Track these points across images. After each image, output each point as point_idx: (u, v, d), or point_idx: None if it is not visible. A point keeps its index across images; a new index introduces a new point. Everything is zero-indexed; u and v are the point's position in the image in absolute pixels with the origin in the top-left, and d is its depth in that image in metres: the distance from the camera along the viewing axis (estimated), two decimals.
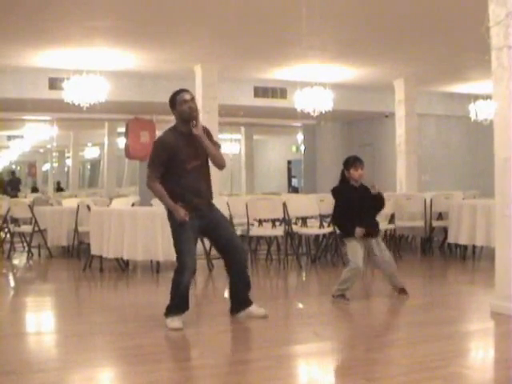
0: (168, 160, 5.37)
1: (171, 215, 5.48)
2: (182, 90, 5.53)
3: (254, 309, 5.71)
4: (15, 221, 11.28)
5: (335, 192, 6.58)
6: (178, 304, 5.45)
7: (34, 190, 28.22)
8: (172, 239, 5.56)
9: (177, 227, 5.44)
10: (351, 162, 6.44)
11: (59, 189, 25.98)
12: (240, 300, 5.74)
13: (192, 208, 5.41)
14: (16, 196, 20.33)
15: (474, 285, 8.08)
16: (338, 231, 6.64)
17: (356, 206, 6.36)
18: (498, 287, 5.82)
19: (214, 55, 11.18)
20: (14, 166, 37.25)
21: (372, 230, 6.42)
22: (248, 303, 5.73)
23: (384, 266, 6.50)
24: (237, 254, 5.66)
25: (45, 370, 4.28)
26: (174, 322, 5.35)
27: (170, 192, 5.42)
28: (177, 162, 5.38)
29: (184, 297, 5.46)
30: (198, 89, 11.80)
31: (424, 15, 8.72)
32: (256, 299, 6.35)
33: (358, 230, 6.29)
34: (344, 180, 6.51)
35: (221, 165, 5.63)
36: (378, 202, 6.54)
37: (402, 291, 6.55)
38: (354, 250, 6.34)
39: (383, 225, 9.88)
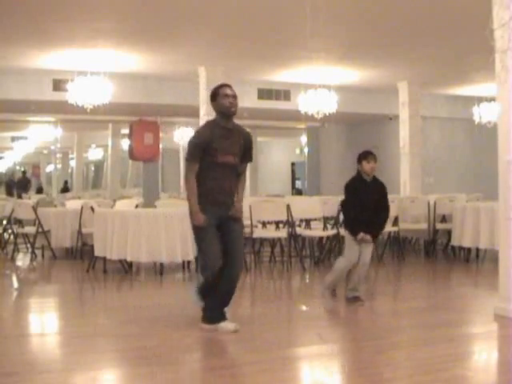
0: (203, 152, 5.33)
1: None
2: (225, 85, 5.54)
3: (224, 324, 5.41)
4: (19, 222, 11.29)
5: (346, 186, 6.61)
6: (213, 304, 5.42)
7: (39, 190, 28.19)
8: (194, 237, 5.56)
9: (197, 228, 5.38)
10: (363, 155, 6.52)
11: (65, 188, 25.88)
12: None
13: (214, 203, 5.36)
14: (21, 197, 20.29)
15: (477, 287, 8.06)
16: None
17: (363, 199, 6.40)
18: (501, 290, 5.81)
19: (218, 57, 11.20)
20: (18, 167, 37.31)
21: (373, 235, 6.43)
22: (222, 318, 5.46)
23: (360, 267, 6.47)
24: (233, 269, 5.43)
25: (48, 372, 4.29)
26: (229, 325, 5.33)
27: (197, 183, 5.38)
28: (209, 151, 5.32)
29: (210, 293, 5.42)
30: (201, 90, 11.83)
31: (428, 18, 8.73)
32: (259, 301, 6.36)
33: (360, 236, 6.33)
34: (358, 175, 6.57)
35: None
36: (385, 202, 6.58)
37: (358, 299, 6.47)
38: (352, 244, 6.41)
39: (387, 227, 9.90)
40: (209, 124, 5.53)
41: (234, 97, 5.45)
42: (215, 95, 5.47)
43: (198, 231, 5.40)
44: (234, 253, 5.46)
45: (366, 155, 6.51)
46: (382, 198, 6.56)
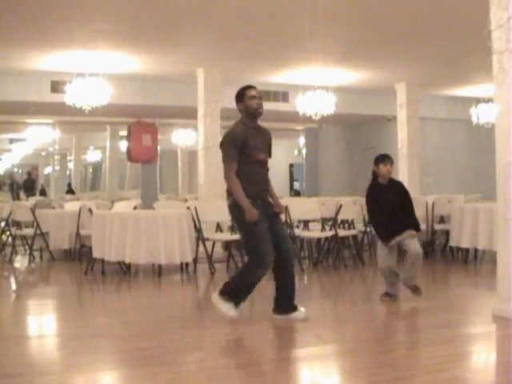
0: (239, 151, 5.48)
1: (240, 211, 5.45)
2: (250, 86, 5.67)
3: (295, 315, 5.67)
4: (17, 224, 11.29)
5: (366, 195, 6.77)
6: (239, 294, 5.57)
7: (42, 192, 28.12)
8: (241, 235, 5.70)
9: (250, 224, 5.42)
10: (381, 158, 6.65)
11: (71, 190, 25.84)
12: (285, 303, 5.71)
13: (256, 199, 5.48)
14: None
15: (475, 288, 8.07)
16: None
17: (383, 205, 6.53)
18: (499, 291, 5.82)
19: (216, 58, 11.19)
20: (15, 169, 37.31)
21: (414, 229, 6.57)
22: (293, 308, 5.70)
23: (412, 257, 6.55)
24: (287, 260, 5.67)
25: (47, 373, 4.29)
26: (232, 311, 5.50)
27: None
28: (245, 150, 5.47)
29: (249, 290, 5.61)
30: (200, 92, 11.81)
31: (428, 18, 8.73)
32: (259, 302, 6.35)
33: (392, 243, 6.49)
34: (374, 179, 6.69)
35: None
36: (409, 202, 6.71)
37: (415, 287, 6.64)
38: (382, 253, 6.61)
39: None
40: (238, 124, 5.65)
41: (260, 98, 5.64)
42: (241, 96, 5.62)
43: (252, 227, 5.45)
44: (285, 243, 5.67)
45: (383, 158, 6.64)
46: (402, 195, 6.70)
